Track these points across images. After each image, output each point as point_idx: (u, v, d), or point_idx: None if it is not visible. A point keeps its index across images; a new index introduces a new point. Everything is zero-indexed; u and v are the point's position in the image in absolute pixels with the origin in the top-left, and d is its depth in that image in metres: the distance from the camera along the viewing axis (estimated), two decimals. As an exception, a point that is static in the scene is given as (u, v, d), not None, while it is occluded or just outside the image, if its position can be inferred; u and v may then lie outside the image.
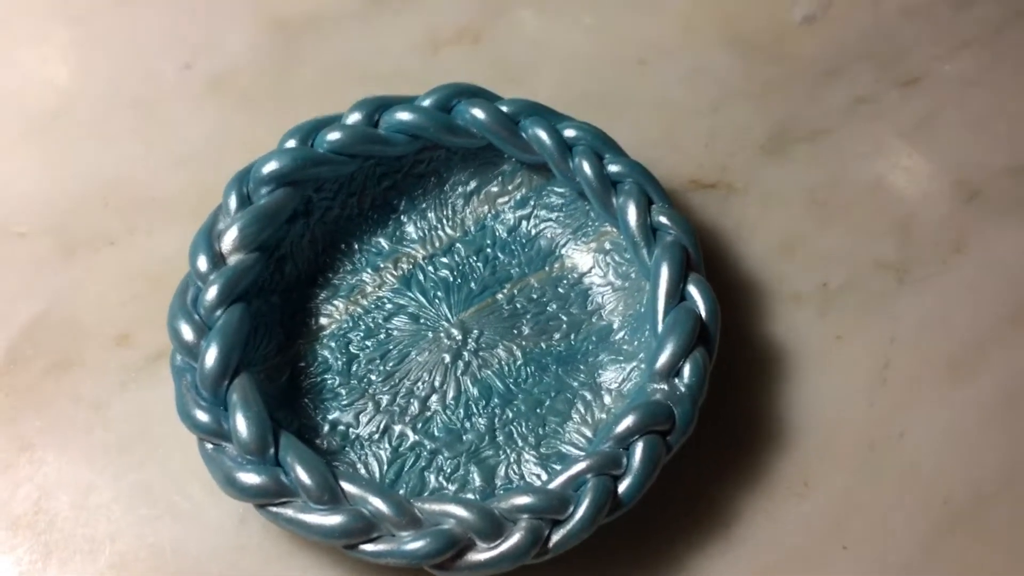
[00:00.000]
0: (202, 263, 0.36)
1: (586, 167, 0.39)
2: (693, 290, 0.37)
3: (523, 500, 0.33)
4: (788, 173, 0.46)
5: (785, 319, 0.42)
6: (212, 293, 0.36)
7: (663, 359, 0.36)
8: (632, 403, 0.36)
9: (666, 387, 0.36)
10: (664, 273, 0.37)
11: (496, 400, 0.39)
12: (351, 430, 0.38)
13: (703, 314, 0.37)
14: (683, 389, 0.36)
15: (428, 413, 0.38)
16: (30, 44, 0.48)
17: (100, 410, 0.39)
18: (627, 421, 0.35)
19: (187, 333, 0.35)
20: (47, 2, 0.49)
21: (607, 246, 0.41)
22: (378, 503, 0.33)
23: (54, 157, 0.44)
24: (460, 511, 0.33)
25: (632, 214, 0.39)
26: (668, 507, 0.37)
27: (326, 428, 0.38)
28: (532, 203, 0.43)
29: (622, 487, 0.34)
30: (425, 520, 0.33)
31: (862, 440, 0.40)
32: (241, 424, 0.34)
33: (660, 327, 0.37)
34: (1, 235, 0.42)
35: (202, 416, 0.34)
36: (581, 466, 0.34)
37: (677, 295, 0.37)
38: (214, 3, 0.49)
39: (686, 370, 0.36)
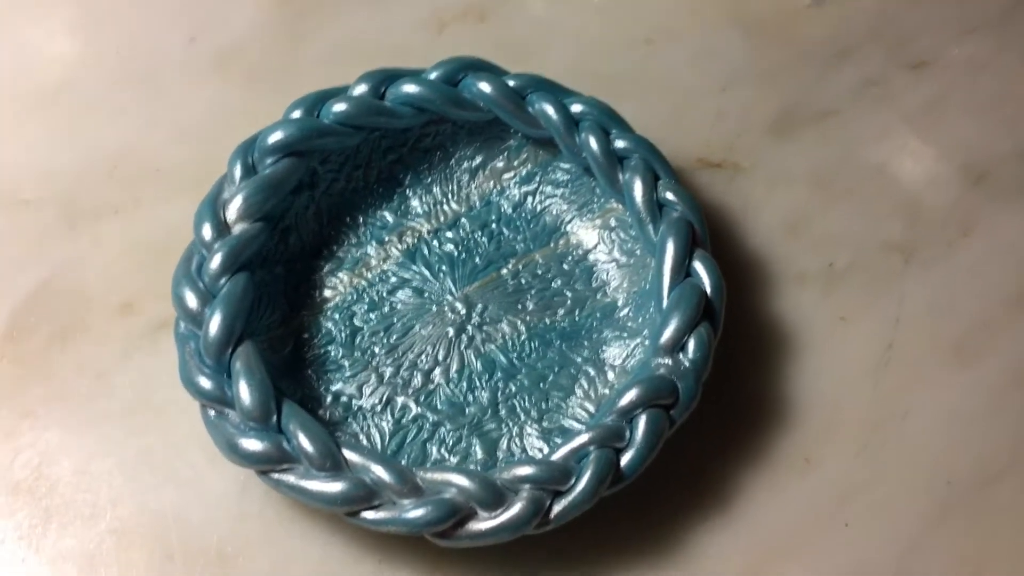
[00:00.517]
0: (207, 231, 0.36)
1: (592, 142, 0.39)
2: (698, 266, 0.37)
3: (525, 471, 0.33)
4: (795, 154, 0.46)
5: (790, 299, 0.42)
6: (216, 261, 0.36)
7: (667, 334, 0.36)
8: (636, 377, 0.36)
9: (670, 362, 0.36)
10: (670, 249, 0.37)
11: (499, 374, 0.39)
12: (354, 401, 0.38)
13: (708, 290, 0.37)
14: (687, 364, 0.35)
15: (431, 386, 0.38)
16: (37, 18, 0.48)
17: (103, 378, 0.39)
18: (631, 394, 0.35)
19: (191, 300, 0.35)
20: (55, -27, 0.49)
21: (612, 223, 0.41)
22: (380, 471, 0.33)
23: (60, 129, 0.44)
24: (462, 480, 0.33)
25: (638, 190, 0.39)
26: (670, 481, 0.37)
27: (329, 399, 0.38)
28: (538, 179, 0.42)
29: (624, 460, 0.34)
30: (426, 489, 0.33)
31: (865, 420, 0.39)
32: (244, 391, 0.33)
33: (665, 302, 0.37)
34: (7, 203, 0.42)
35: (205, 383, 0.34)
36: (584, 438, 0.34)
37: (682, 271, 0.37)
38: (220, -24, 0.49)
39: (690, 345, 0.36)
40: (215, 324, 0.34)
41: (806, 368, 0.40)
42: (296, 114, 0.39)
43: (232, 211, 0.37)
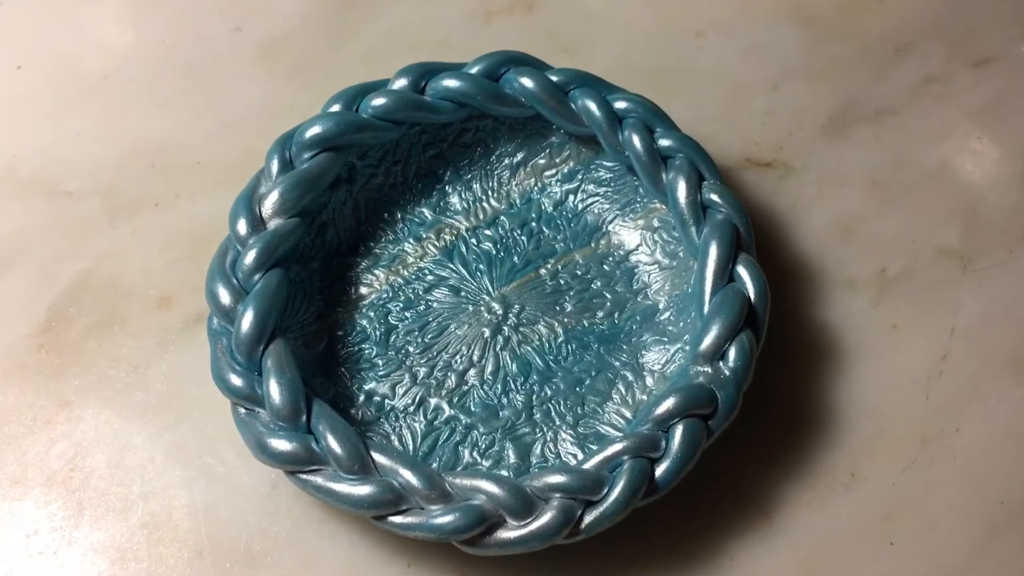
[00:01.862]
0: (242, 226, 0.36)
1: (636, 140, 0.38)
2: (742, 271, 0.36)
3: (556, 479, 0.32)
4: (849, 154, 0.44)
5: (839, 305, 0.41)
6: (250, 257, 0.35)
7: (708, 341, 0.35)
8: (674, 385, 0.34)
9: (710, 370, 0.34)
10: (712, 252, 0.36)
11: (535, 377, 0.38)
12: (387, 401, 0.37)
13: (752, 296, 0.36)
14: (727, 372, 0.34)
15: (465, 387, 0.38)
16: (84, 5, 0.48)
17: (139, 371, 0.39)
18: (667, 403, 0.34)
19: (224, 296, 0.35)
20: (102, -37, 0.49)
21: (655, 223, 0.40)
22: (408, 475, 0.32)
23: (104, 119, 0.45)
24: (491, 487, 0.32)
25: (682, 190, 0.37)
26: (708, 492, 0.36)
27: (362, 398, 0.37)
28: (580, 177, 0.41)
29: (659, 470, 0.33)
30: (455, 495, 0.32)
31: (914, 433, 0.38)
32: (274, 390, 0.33)
33: (706, 308, 0.36)
34: (49, 194, 0.42)
35: (236, 380, 0.34)
36: (618, 447, 0.33)
37: (725, 275, 0.36)
38: (266, -33, 0.49)
39: (731, 353, 0.35)
40: (247, 321, 0.34)
41: (854, 378, 0.39)
42: (335, 108, 0.38)
43: (268, 206, 0.36)
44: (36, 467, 0.37)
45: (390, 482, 0.32)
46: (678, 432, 0.33)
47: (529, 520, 0.32)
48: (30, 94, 0.45)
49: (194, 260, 0.41)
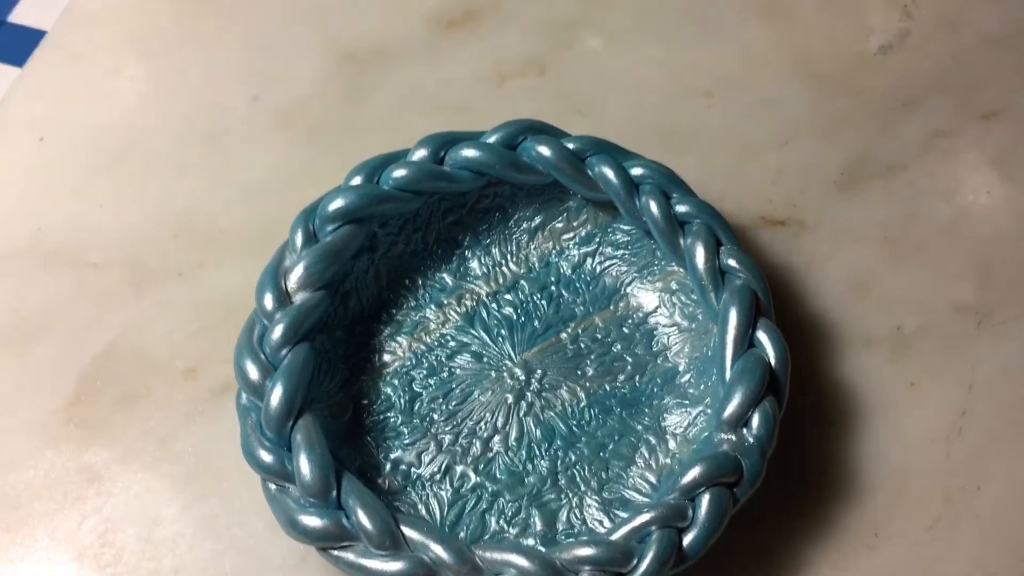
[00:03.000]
0: (268, 301, 0.37)
1: (653, 207, 0.39)
2: (763, 336, 0.37)
3: (586, 552, 0.33)
4: (861, 210, 0.45)
5: (856, 363, 0.41)
6: (278, 332, 0.36)
7: (731, 408, 0.35)
8: (699, 454, 0.35)
9: (734, 437, 0.35)
10: (732, 319, 0.37)
11: (559, 442, 0.38)
12: (413, 470, 0.38)
13: (773, 362, 0.36)
14: (751, 440, 0.35)
15: (490, 454, 0.38)
16: (105, 77, 0.49)
17: (167, 443, 0.39)
18: (693, 472, 0.34)
19: (253, 372, 0.35)
20: (122, 36, 0.50)
21: (673, 286, 0.41)
22: (439, 550, 0.33)
23: (127, 189, 0.45)
24: (521, 561, 0.33)
25: (700, 256, 0.38)
26: (733, 558, 0.36)
27: (388, 467, 0.38)
28: (597, 240, 0.42)
29: (687, 540, 0.33)
30: (486, 569, 0.33)
31: (936, 492, 0.38)
32: (305, 466, 0.34)
33: (728, 375, 0.36)
34: (74, 265, 0.43)
35: (266, 457, 0.34)
36: (645, 517, 0.33)
37: (746, 341, 0.37)
38: (283, 36, 0.50)
39: (755, 420, 0.35)
40: (276, 397, 0.35)
41: (874, 436, 0.39)
42: (356, 180, 0.39)
43: (293, 280, 0.37)
44: (67, 543, 0.37)
45: (421, 558, 0.33)
46: (704, 501, 0.34)
47: (560, 593, 0.32)
48: (53, 166, 0.46)
49: (219, 330, 0.41)
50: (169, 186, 0.45)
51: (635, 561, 0.33)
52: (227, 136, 0.47)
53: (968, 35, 0.50)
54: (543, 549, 0.34)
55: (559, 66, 0.49)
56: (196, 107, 0.48)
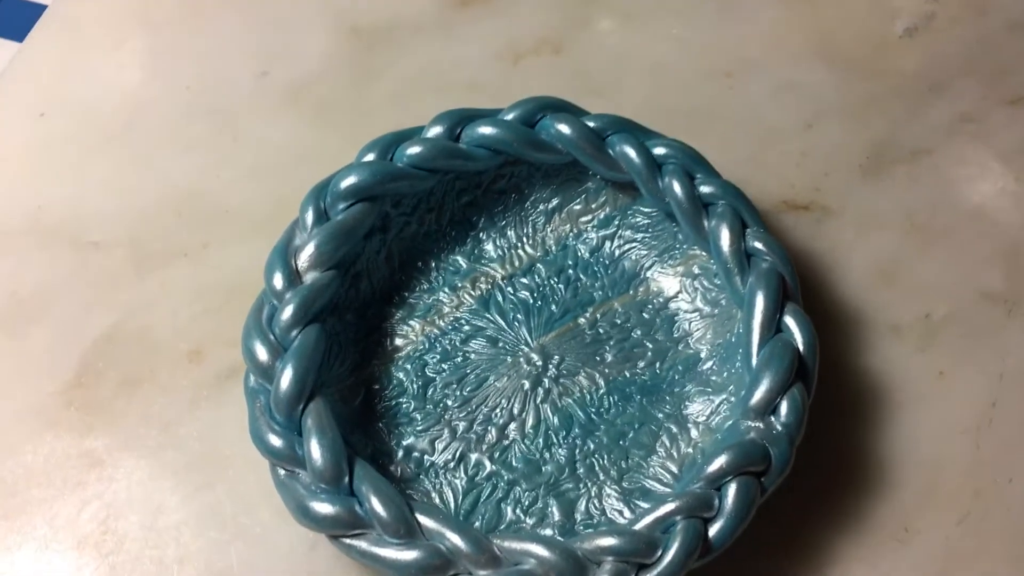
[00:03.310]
0: (278, 281, 0.35)
1: (676, 187, 0.38)
2: (790, 321, 0.35)
3: (608, 541, 0.31)
4: (886, 195, 0.44)
5: (883, 352, 0.40)
6: (288, 313, 0.34)
7: (759, 395, 0.34)
8: (725, 442, 0.34)
9: (761, 425, 0.34)
10: (759, 303, 0.35)
11: (577, 430, 0.37)
12: (426, 457, 0.36)
13: (801, 347, 0.35)
14: (779, 428, 0.33)
15: (506, 442, 0.37)
16: (106, 52, 0.47)
17: (170, 428, 0.38)
18: (720, 461, 0.33)
19: (262, 354, 0.34)
20: (123, 9, 0.48)
21: (695, 270, 0.39)
22: (455, 539, 0.31)
23: (129, 166, 0.44)
24: (541, 551, 0.31)
25: (725, 238, 0.37)
26: (760, 550, 0.35)
27: (400, 454, 0.36)
28: (616, 222, 0.41)
29: (713, 530, 0.32)
30: (504, 559, 0.32)
31: (967, 485, 0.37)
32: (316, 451, 0.32)
33: (755, 360, 0.35)
34: (75, 245, 0.42)
35: (276, 441, 0.33)
36: (670, 507, 0.32)
37: (773, 326, 0.35)
38: (291, 12, 0.48)
39: (783, 408, 0.34)
40: (286, 379, 0.33)
41: (902, 427, 0.38)
42: (369, 157, 0.38)
43: (304, 259, 0.36)
44: (67, 530, 0.36)
45: (437, 546, 0.31)
46: (731, 491, 0.32)
47: (582, 585, 0.31)
48: (53, 143, 0.44)
49: (224, 312, 0.40)
50: (173, 164, 0.44)
51: (659, 552, 0.31)
52: (233, 113, 0.45)
53: (994, 19, 0.48)
54: (563, 539, 0.33)
55: (574, 45, 0.48)
56: (200, 83, 0.46)
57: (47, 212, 0.42)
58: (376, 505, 0.32)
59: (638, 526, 0.32)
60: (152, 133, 0.45)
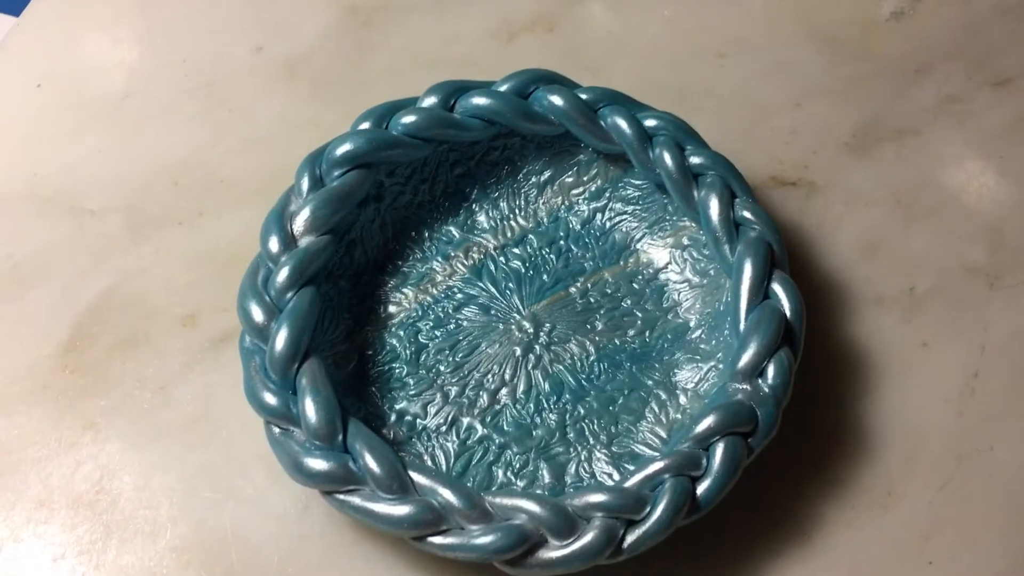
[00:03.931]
0: (274, 244, 0.36)
1: (667, 158, 0.38)
2: (777, 288, 0.36)
3: (598, 498, 0.32)
4: (873, 172, 0.44)
5: (868, 323, 0.40)
6: (283, 275, 0.35)
7: (746, 358, 0.34)
8: (713, 403, 0.34)
9: (749, 387, 0.34)
10: (747, 270, 0.36)
11: (567, 396, 0.37)
12: (418, 421, 0.37)
13: (788, 313, 0.35)
14: (766, 390, 0.34)
15: (497, 407, 0.37)
16: (104, 25, 0.48)
17: (164, 391, 0.38)
18: (708, 421, 0.33)
19: (257, 314, 0.34)
20: (123, -19, 0.49)
21: (685, 241, 0.40)
22: (448, 494, 0.32)
23: (126, 137, 0.44)
24: (532, 506, 0.32)
25: (714, 208, 0.37)
26: (746, 512, 0.35)
27: (393, 418, 0.37)
28: (608, 195, 0.41)
29: (701, 489, 0.33)
30: (496, 514, 0.32)
31: (949, 452, 0.38)
32: (310, 409, 0.33)
33: (742, 325, 0.35)
34: (72, 212, 0.42)
35: (271, 399, 0.33)
36: (659, 465, 0.33)
37: (760, 293, 0.36)
38: (289, -14, 0.49)
39: (770, 370, 0.34)
40: (281, 339, 0.34)
41: (887, 396, 0.39)
42: (365, 125, 0.38)
43: (299, 224, 0.36)
44: (62, 490, 0.36)
45: (429, 502, 0.32)
46: (719, 450, 0.33)
47: (571, 540, 0.32)
48: (50, 112, 0.45)
49: (218, 278, 0.40)
50: (169, 134, 0.44)
51: (648, 508, 0.32)
52: (229, 86, 0.46)
53: (980, 3, 0.49)
54: (553, 497, 0.33)
55: (568, 23, 0.48)
56: (197, 56, 0.47)
57: (44, 180, 0.43)
58: (369, 461, 0.32)
59: (627, 484, 0.33)
60: (149, 105, 0.45)
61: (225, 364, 0.38)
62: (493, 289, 0.40)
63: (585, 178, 0.42)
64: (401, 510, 0.32)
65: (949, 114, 0.46)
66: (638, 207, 0.41)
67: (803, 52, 0.48)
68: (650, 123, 0.39)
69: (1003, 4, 0.49)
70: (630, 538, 0.32)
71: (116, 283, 0.40)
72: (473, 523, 0.32)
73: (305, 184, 0.37)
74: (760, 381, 0.34)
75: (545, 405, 0.37)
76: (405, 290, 0.40)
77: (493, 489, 0.35)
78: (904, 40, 0.48)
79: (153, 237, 0.41)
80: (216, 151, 0.44)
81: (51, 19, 0.48)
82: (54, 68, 0.46)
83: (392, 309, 0.39)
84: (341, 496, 0.32)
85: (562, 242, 0.41)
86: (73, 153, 0.43)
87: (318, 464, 0.32)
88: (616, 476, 0.35)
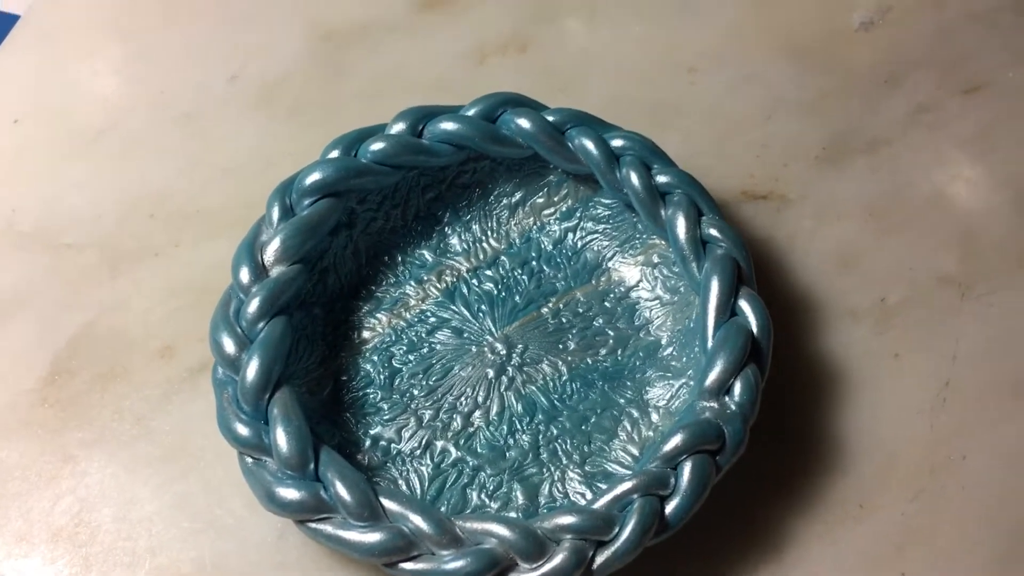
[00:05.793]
0: (244, 275, 0.36)
1: (634, 178, 0.39)
2: (744, 305, 0.36)
3: (567, 520, 0.32)
4: (844, 184, 0.45)
5: (841, 335, 0.41)
6: (254, 306, 0.35)
7: (713, 376, 0.35)
8: (681, 421, 0.34)
9: (716, 405, 0.34)
10: (714, 287, 0.36)
11: (540, 416, 0.38)
12: (393, 445, 0.37)
13: (755, 330, 0.36)
14: (733, 407, 0.34)
15: (471, 429, 0.38)
16: (80, 58, 0.48)
17: (143, 422, 0.38)
18: (675, 440, 0.33)
19: (229, 346, 0.35)
20: (97, 17, 0.49)
21: (655, 259, 0.40)
22: (418, 520, 0.32)
23: (102, 169, 0.45)
24: (502, 530, 0.32)
25: (681, 226, 0.38)
26: (718, 529, 0.36)
27: (367, 443, 0.37)
28: (578, 215, 0.42)
29: (669, 508, 0.33)
30: (466, 539, 0.32)
31: (922, 463, 0.38)
32: (281, 439, 0.33)
33: (710, 343, 0.36)
34: (49, 246, 0.42)
35: (243, 430, 0.34)
36: (627, 485, 0.33)
37: (728, 310, 0.36)
38: (261, 15, 0.49)
39: (737, 388, 0.35)
40: (252, 370, 0.34)
41: (859, 408, 0.39)
42: (334, 154, 0.39)
43: (270, 254, 0.37)
44: (41, 523, 0.36)
45: (400, 528, 0.32)
46: (687, 469, 0.33)
47: (541, 563, 0.32)
48: (27, 147, 0.45)
49: (195, 309, 0.41)
50: (146, 167, 0.45)
51: (617, 529, 0.32)
52: (205, 116, 0.46)
53: (951, 10, 0.49)
54: (523, 519, 0.33)
55: (540, 44, 0.49)
56: (173, 87, 0.47)
57: (22, 215, 0.43)
58: (340, 489, 0.33)
59: (596, 505, 0.33)
60: (125, 137, 0.46)
61: (202, 394, 0.39)
62: (466, 312, 0.40)
63: (556, 198, 0.42)
64: (372, 537, 0.32)
65: (919, 124, 0.46)
66: (608, 226, 0.41)
67: (773, 65, 0.48)
68: (617, 143, 0.39)
69: (973, 10, 0.49)
70: (599, 559, 0.32)
71: (94, 317, 0.41)
72: (444, 548, 0.32)
73: (275, 214, 0.37)
74: (727, 398, 0.35)
75: (518, 426, 0.38)
76: (379, 315, 0.40)
77: (467, 512, 0.36)
78: (874, 50, 0.48)
79: (130, 270, 0.42)
80: (193, 182, 0.44)
81: (27, 55, 0.48)
82: (31, 103, 0.47)
83: (366, 334, 0.40)
84: (313, 524, 0.33)
85: (534, 263, 0.41)
86: (50, 188, 0.44)
87: (290, 493, 0.33)
88: (589, 495, 0.36)
